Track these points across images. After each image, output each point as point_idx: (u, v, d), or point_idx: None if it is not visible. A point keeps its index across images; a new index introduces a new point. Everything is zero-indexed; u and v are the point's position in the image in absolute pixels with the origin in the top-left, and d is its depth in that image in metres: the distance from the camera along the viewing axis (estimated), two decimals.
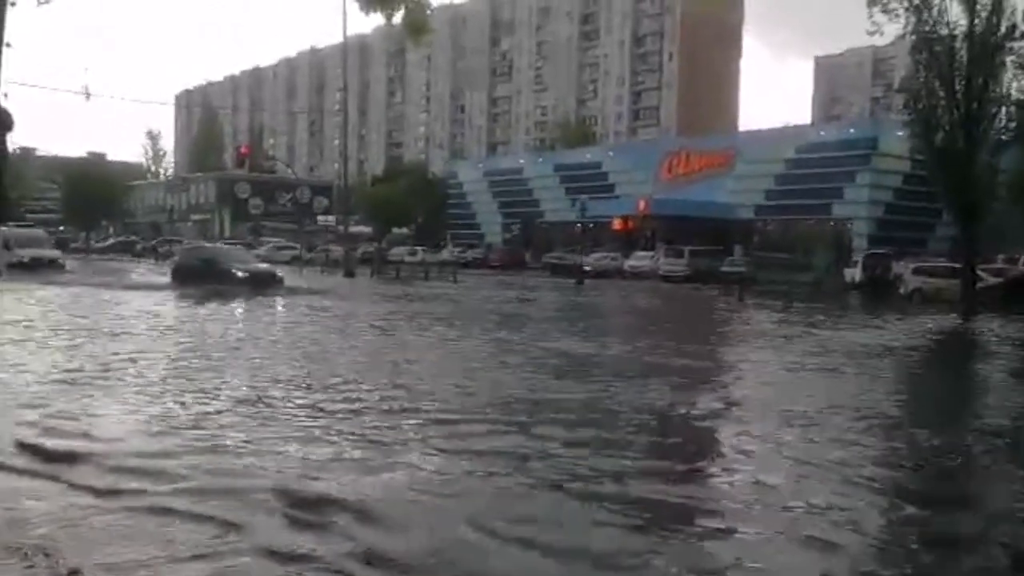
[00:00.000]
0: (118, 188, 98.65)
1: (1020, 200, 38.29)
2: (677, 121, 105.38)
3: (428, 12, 5.85)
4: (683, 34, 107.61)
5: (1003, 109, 30.26)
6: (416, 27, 5.86)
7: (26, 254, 37.00)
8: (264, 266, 34.12)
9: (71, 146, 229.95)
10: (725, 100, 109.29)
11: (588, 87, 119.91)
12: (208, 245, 41.45)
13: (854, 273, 41.61)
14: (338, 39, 44.57)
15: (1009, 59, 29.42)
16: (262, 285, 28.94)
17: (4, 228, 43.28)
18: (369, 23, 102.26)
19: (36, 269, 35.25)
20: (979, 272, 32.98)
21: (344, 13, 39.58)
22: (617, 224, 59.43)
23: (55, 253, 41.35)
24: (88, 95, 51.66)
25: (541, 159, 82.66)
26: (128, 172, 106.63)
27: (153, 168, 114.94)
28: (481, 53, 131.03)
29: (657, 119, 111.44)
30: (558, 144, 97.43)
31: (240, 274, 29.87)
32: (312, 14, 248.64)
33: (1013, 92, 29.96)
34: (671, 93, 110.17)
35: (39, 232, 46.45)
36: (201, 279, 29.02)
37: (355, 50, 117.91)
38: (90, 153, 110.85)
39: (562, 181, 72.51)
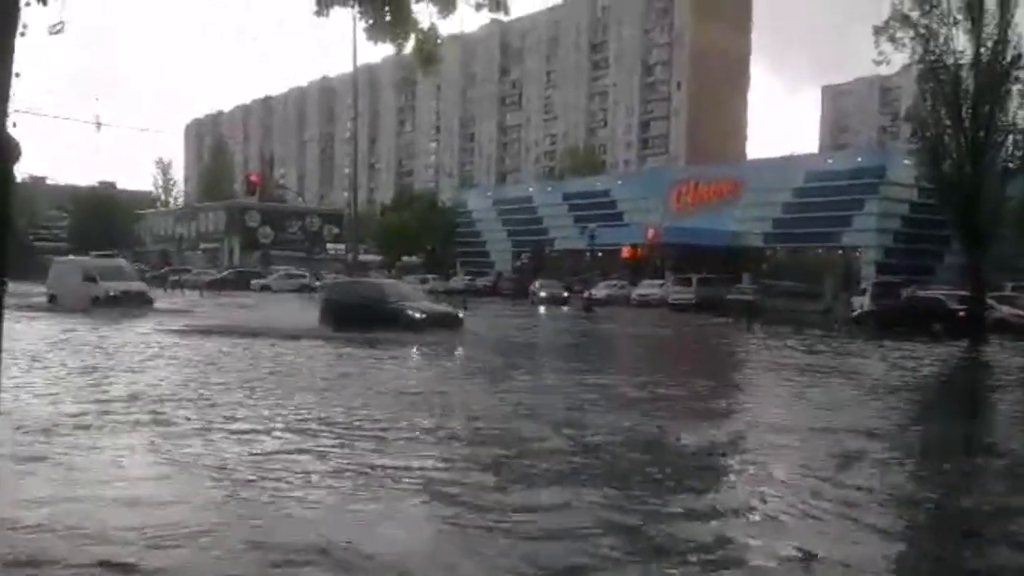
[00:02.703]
0: (127, 216, 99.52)
1: None
2: (686, 150, 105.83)
3: (438, 42, 5.89)
4: (692, 63, 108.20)
5: (1010, 137, 30.37)
6: (427, 57, 5.92)
7: (112, 287, 33.09)
8: (442, 306, 28.30)
9: (82, 175, 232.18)
10: (733, 129, 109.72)
11: (597, 116, 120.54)
12: (366, 280, 34.63)
13: (863, 301, 41.48)
14: (348, 68, 44.78)
15: (1015, 87, 29.58)
16: (442, 328, 24.06)
17: (85, 259, 40.34)
18: (379, 52, 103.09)
19: (123, 304, 31.62)
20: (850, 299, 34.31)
21: (355, 43, 39.79)
22: (626, 252, 59.41)
23: (142, 285, 36.45)
24: (99, 125, 51.51)
25: (550, 187, 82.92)
26: (138, 201, 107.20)
27: (163, 197, 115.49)
28: (491, 82, 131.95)
29: (666, 148, 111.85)
30: (567, 173, 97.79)
31: (417, 315, 24.44)
32: (322, 44, 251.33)
33: (1019, 120, 30.08)
34: (680, 122, 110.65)
35: (122, 262, 41.75)
36: (362, 321, 23.80)
37: (365, 79, 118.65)
38: (100, 182, 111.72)
39: (571, 209, 72.69)
